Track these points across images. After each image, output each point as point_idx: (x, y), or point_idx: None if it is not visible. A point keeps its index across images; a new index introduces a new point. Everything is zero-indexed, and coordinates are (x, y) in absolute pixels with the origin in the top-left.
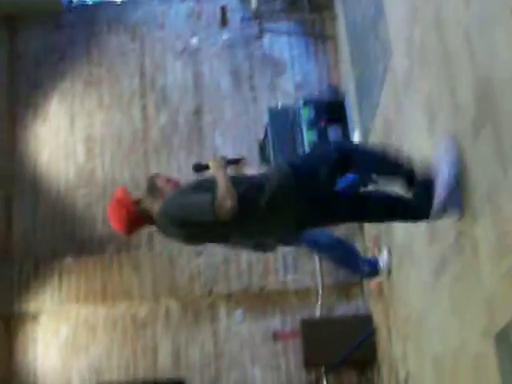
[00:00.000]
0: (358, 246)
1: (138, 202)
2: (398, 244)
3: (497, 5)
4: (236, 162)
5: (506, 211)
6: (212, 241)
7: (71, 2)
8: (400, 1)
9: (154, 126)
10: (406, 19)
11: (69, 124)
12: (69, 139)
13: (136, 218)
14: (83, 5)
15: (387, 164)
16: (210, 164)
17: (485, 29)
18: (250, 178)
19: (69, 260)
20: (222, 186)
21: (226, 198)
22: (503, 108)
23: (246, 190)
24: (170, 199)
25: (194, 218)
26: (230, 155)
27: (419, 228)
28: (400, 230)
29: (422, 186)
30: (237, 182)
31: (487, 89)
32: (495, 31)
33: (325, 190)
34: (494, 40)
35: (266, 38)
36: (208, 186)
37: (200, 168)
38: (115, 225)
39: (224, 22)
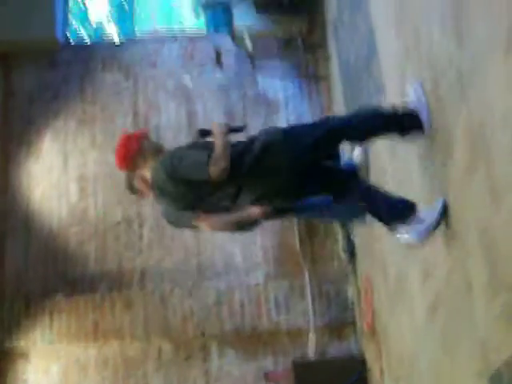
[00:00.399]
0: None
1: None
2: (391, 284)
3: (489, 44)
4: (239, 129)
5: (499, 249)
6: (200, 202)
7: (68, 39)
8: (393, 40)
9: None
10: (399, 58)
11: (62, 162)
12: (62, 177)
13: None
14: (78, 42)
15: (378, 129)
16: (213, 128)
17: (477, 69)
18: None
19: (60, 298)
20: (219, 147)
21: (220, 159)
22: (495, 147)
23: (237, 151)
24: (169, 153)
25: (188, 173)
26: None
27: (412, 268)
28: (393, 267)
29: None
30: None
31: (480, 128)
32: (488, 72)
33: (308, 158)
34: (487, 80)
35: (260, 78)
36: (206, 145)
37: (205, 133)
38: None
39: (218, 61)
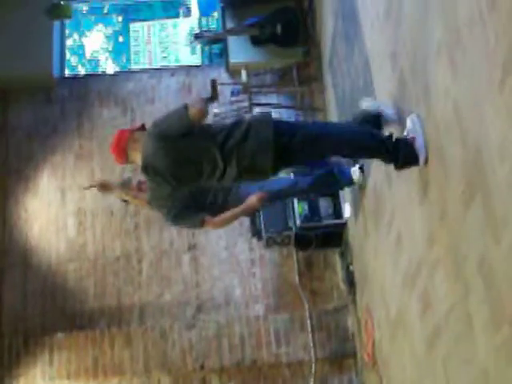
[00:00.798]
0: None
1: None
2: (391, 315)
3: (485, 78)
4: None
5: (499, 282)
6: (190, 166)
7: (65, 74)
8: (388, 74)
9: None
10: (395, 90)
11: (60, 197)
12: (60, 213)
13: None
14: (75, 76)
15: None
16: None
17: (473, 102)
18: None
19: (59, 335)
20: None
21: (197, 103)
22: (492, 178)
23: (226, 126)
24: (151, 124)
25: (171, 124)
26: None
27: (412, 299)
28: (393, 300)
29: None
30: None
31: (477, 160)
32: (484, 104)
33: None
34: (482, 112)
35: (256, 110)
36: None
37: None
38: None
39: (214, 95)
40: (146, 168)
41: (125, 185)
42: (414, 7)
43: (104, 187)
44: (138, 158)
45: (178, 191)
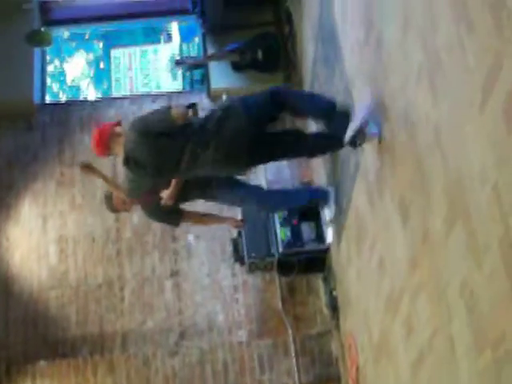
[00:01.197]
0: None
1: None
2: (374, 340)
3: (465, 101)
4: (193, 106)
5: (481, 306)
6: (170, 159)
7: (45, 100)
8: (369, 97)
9: (127, 226)
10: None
11: (41, 225)
12: (41, 240)
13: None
14: (56, 103)
15: (316, 106)
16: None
17: (454, 126)
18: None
19: (42, 363)
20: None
21: (180, 106)
22: (474, 202)
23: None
24: (135, 119)
25: (154, 120)
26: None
27: (395, 323)
28: (377, 325)
29: (340, 117)
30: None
31: (458, 185)
32: (464, 127)
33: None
34: (463, 136)
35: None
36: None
37: None
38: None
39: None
40: (127, 160)
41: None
42: (393, 31)
43: (87, 169)
44: (120, 150)
45: (158, 185)
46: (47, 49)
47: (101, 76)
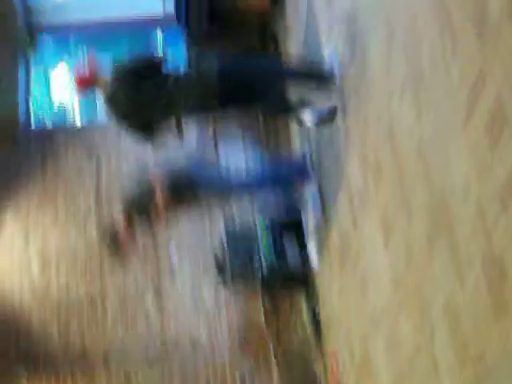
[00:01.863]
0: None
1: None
2: (356, 358)
3: (448, 117)
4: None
5: (463, 324)
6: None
7: (30, 122)
8: (353, 111)
9: None
10: (360, 131)
11: (23, 240)
12: (23, 255)
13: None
14: (41, 126)
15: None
16: None
17: (437, 141)
18: None
19: (23, 379)
20: None
21: None
22: (457, 220)
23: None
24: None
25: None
26: None
27: (377, 342)
28: (359, 343)
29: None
30: None
31: (441, 201)
32: (447, 143)
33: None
34: (447, 152)
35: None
36: None
37: None
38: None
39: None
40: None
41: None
42: (378, 50)
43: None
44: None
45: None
46: (31, 66)
47: (86, 100)
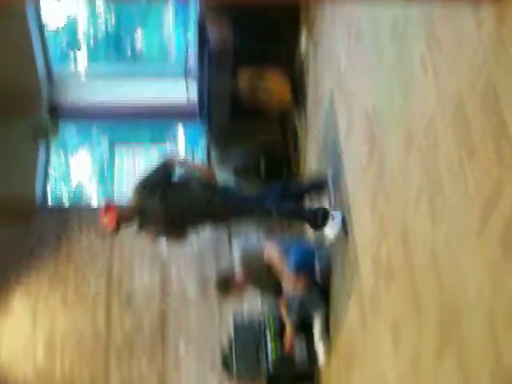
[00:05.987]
0: None
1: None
2: None
3: (463, 226)
4: None
5: None
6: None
7: (47, 199)
8: (368, 218)
9: (117, 329)
10: (374, 237)
11: (31, 320)
12: (29, 339)
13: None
14: (57, 205)
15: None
16: None
17: (451, 249)
18: None
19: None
20: None
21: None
22: (467, 330)
23: None
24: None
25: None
26: None
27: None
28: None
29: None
30: None
31: (452, 309)
32: (461, 252)
33: None
34: (460, 261)
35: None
36: None
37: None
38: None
39: None
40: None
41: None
42: (396, 154)
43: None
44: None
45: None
46: (52, 144)
47: (104, 180)
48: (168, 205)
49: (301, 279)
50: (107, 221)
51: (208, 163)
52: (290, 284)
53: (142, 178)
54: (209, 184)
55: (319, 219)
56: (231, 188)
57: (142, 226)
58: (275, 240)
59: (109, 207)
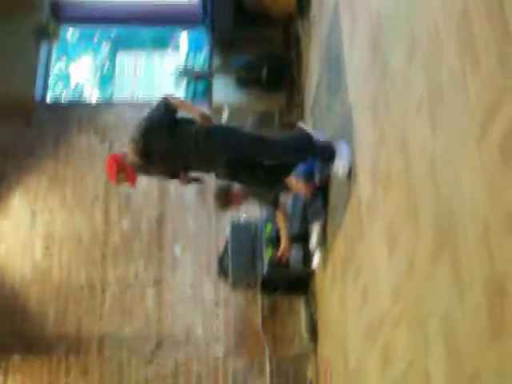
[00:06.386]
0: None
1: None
2: (350, 367)
3: (462, 135)
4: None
5: (460, 341)
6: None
7: (46, 98)
8: (369, 124)
9: (115, 230)
10: (374, 143)
11: (29, 219)
12: (28, 235)
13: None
14: (56, 103)
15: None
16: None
17: (450, 158)
18: None
19: (16, 358)
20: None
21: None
22: (462, 238)
23: None
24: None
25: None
26: None
27: (372, 352)
28: (354, 352)
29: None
30: None
31: (448, 217)
32: (459, 161)
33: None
34: (458, 169)
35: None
36: None
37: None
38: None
39: None
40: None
41: None
42: (399, 62)
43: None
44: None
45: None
46: (54, 47)
47: (104, 79)
48: (176, 143)
49: (308, 186)
50: (124, 178)
51: (209, 71)
52: (298, 189)
53: (144, 118)
54: (201, 128)
55: (326, 155)
56: (227, 131)
57: (148, 169)
58: None
59: (121, 164)
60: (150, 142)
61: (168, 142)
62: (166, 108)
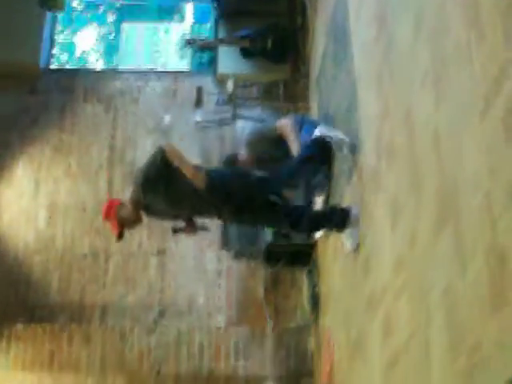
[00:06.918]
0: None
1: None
2: (352, 338)
3: (466, 108)
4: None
5: (461, 313)
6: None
7: (51, 66)
8: (374, 96)
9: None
10: (378, 115)
11: (33, 189)
12: (32, 204)
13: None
14: (61, 69)
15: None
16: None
17: (453, 131)
18: None
19: (19, 325)
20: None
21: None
22: (465, 210)
23: None
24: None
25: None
26: None
27: (373, 324)
28: (355, 324)
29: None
30: None
31: (451, 189)
32: (463, 134)
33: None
34: (461, 142)
35: (239, 121)
36: None
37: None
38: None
39: (199, 102)
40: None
41: None
42: (405, 33)
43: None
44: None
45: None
46: (59, 16)
47: (110, 49)
48: (174, 197)
49: (315, 157)
50: (111, 226)
51: (214, 41)
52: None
53: (141, 169)
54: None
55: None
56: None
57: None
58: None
59: (110, 213)
60: (147, 196)
61: (167, 197)
62: (162, 160)
